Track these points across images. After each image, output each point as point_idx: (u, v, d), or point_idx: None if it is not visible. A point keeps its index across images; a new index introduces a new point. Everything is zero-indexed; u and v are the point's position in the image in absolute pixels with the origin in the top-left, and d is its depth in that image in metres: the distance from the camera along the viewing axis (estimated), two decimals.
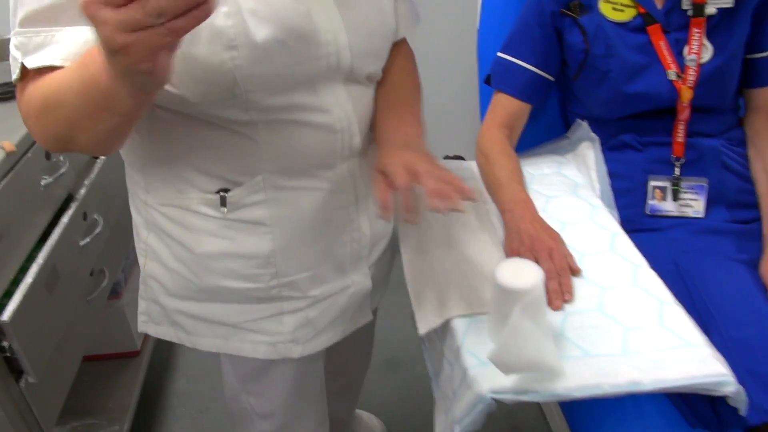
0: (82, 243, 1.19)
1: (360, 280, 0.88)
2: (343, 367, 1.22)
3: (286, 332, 0.84)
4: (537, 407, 1.61)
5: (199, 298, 0.82)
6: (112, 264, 1.36)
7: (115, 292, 1.48)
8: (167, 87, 0.66)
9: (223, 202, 0.75)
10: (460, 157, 1.20)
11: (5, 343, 0.93)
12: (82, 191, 1.25)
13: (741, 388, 0.72)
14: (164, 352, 1.84)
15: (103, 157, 1.37)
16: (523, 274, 0.72)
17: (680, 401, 0.88)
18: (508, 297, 0.71)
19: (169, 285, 0.82)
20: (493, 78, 1.10)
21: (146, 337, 1.66)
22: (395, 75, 0.85)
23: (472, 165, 1.13)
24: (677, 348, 0.75)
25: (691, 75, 0.98)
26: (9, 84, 1.25)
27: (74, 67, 0.58)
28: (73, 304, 1.15)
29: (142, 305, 0.88)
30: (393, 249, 0.98)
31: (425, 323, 0.83)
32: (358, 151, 0.80)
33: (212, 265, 0.79)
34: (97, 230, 1.25)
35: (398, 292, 1.02)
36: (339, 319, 0.88)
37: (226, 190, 0.75)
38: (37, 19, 0.61)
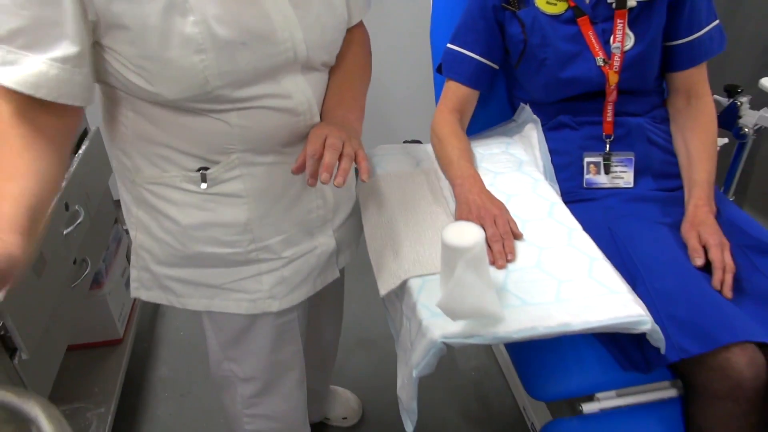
0: (65, 232, 1.26)
1: (326, 241, 0.99)
2: (318, 336, 1.31)
3: (264, 290, 0.95)
4: (501, 378, 1.72)
5: (186, 264, 0.91)
6: (94, 253, 1.43)
7: (96, 282, 1.55)
8: (146, 86, 0.75)
9: (204, 179, 0.85)
10: (418, 141, 1.30)
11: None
12: (63, 183, 1.32)
13: (657, 327, 0.84)
14: (146, 341, 1.91)
15: (81, 151, 1.44)
16: (466, 235, 0.83)
17: (614, 348, 0.99)
18: (452, 254, 0.82)
19: (158, 254, 0.92)
20: (444, 67, 1.21)
21: (128, 325, 1.73)
22: (346, 61, 0.95)
23: (428, 148, 1.24)
24: (603, 295, 0.86)
25: (617, 61, 1.10)
26: None
27: None
28: (59, 290, 1.22)
29: (133, 273, 0.97)
30: (357, 215, 1.08)
31: (385, 285, 0.93)
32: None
33: (196, 234, 0.88)
34: (79, 220, 1.32)
35: (367, 277, 1.12)
36: (310, 276, 0.99)
37: (206, 168, 0.84)
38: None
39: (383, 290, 0.93)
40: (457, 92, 1.19)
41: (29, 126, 0.71)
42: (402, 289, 0.93)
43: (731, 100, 1.37)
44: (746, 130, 1.37)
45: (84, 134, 1.54)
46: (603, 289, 0.87)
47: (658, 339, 0.86)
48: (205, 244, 0.89)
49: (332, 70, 0.94)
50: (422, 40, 1.52)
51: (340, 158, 0.79)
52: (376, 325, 1.95)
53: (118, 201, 0.99)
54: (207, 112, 0.80)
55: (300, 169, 0.81)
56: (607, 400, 1.00)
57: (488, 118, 1.32)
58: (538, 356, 1.02)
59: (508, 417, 1.62)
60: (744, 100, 1.36)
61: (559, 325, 0.82)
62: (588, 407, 0.99)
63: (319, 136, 0.81)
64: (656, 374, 0.98)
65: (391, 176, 1.14)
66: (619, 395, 1.01)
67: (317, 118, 0.88)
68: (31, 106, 0.71)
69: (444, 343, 0.81)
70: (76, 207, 1.34)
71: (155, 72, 0.74)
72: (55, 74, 0.70)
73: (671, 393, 1.01)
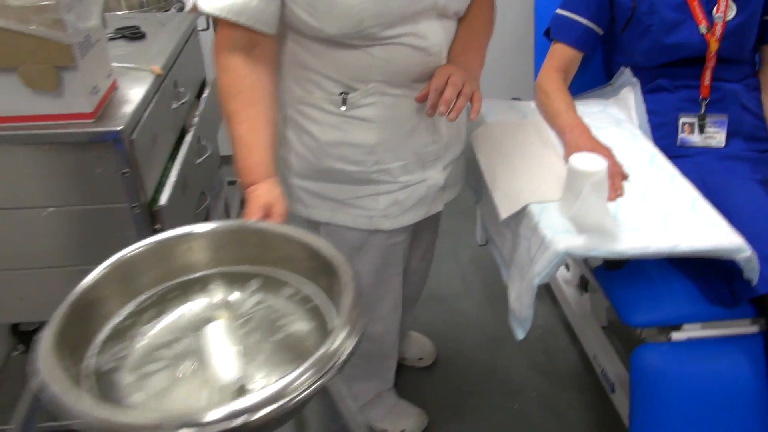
0: (197, 162, 1.42)
1: (435, 175, 1.11)
2: (408, 272, 1.43)
3: (380, 209, 1.08)
4: (565, 336, 1.84)
5: (317, 178, 1.06)
6: (211, 189, 1.59)
7: (206, 216, 1.71)
8: (312, 22, 0.89)
9: (344, 102, 0.98)
10: (517, 99, 1.42)
11: (158, 225, 1.16)
12: (196, 120, 1.47)
13: (754, 255, 0.94)
14: None
15: (206, 93, 1.59)
16: (591, 162, 0.95)
17: (702, 283, 1.10)
18: (579, 177, 0.94)
19: (296, 167, 1.06)
20: (552, 30, 1.33)
21: None
22: (473, 14, 1.06)
23: (531, 104, 1.36)
24: (706, 226, 0.97)
25: (718, 30, 1.20)
26: (134, 27, 1.47)
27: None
28: (189, 216, 1.37)
29: None
30: (463, 158, 1.19)
31: (506, 210, 1.06)
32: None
33: (330, 150, 1.02)
34: (206, 154, 1.47)
35: (439, 241, 1.23)
36: (419, 203, 1.11)
37: (346, 93, 0.98)
38: None
39: (504, 214, 1.05)
40: (563, 54, 1.30)
41: (256, 74, 0.90)
42: (519, 216, 1.05)
43: None
44: None
45: (204, 82, 1.70)
46: (705, 221, 0.98)
47: (753, 268, 0.97)
48: (336, 160, 1.03)
49: (461, 21, 1.06)
50: (523, 11, 1.63)
51: (458, 96, 0.92)
52: (445, 283, 2.08)
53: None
54: (356, 47, 0.93)
55: (423, 98, 0.94)
56: (693, 331, 1.11)
57: (584, 83, 1.43)
58: (633, 286, 1.13)
59: (573, 369, 1.73)
60: None
61: (669, 247, 0.93)
62: (676, 335, 1.10)
63: (444, 74, 0.94)
64: (740, 311, 1.09)
65: (501, 124, 1.26)
66: (704, 327, 1.11)
67: (444, 61, 1.01)
68: (247, 49, 0.89)
69: (567, 254, 0.93)
70: (204, 142, 1.49)
71: (322, 11, 0.88)
72: (255, 5, 0.86)
73: (753, 329, 1.11)
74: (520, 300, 1.02)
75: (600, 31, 1.30)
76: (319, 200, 1.09)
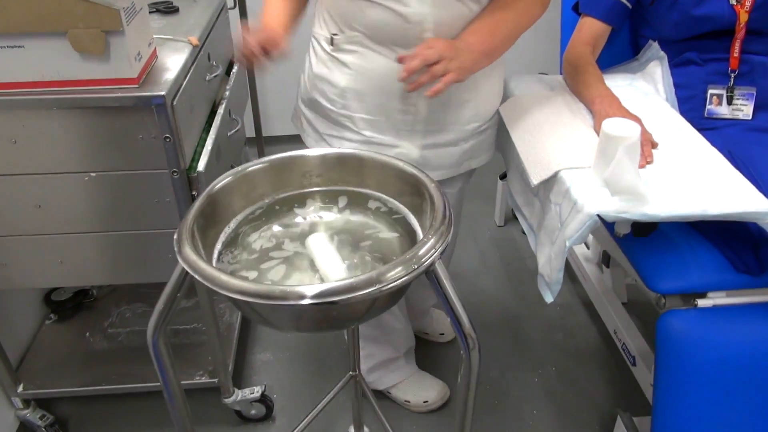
0: (229, 134, 1.45)
1: (408, 148, 1.15)
2: None
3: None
4: (584, 314, 1.86)
5: (308, 106, 1.21)
6: (237, 164, 1.62)
7: None
8: None
9: (331, 42, 1.10)
10: (544, 73, 1.44)
11: (194, 192, 1.19)
12: (227, 93, 1.50)
13: None
14: None
15: (236, 69, 1.62)
16: (624, 127, 0.97)
17: (728, 251, 1.12)
18: (612, 142, 0.96)
19: (301, 90, 1.24)
20: (581, 4, 1.34)
21: None
22: (507, 1, 1.05)
23: (555, 77, 1.38)
24: (735, 191, 0.99)
25: (748, 1, 1.21)
26: (168, 2, 1.50)
27: None
28: None
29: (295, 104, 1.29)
30: (459, 149, 1.20)
31: (538, 176, 1.08)
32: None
33: (316, 83, 1.16)
34: (237, 128, 1.50)
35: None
36: None
37: (335, 35, 1.09)
38: None
39: (536, 180, 1.08)
40: (592, 27, 1.32)
41: None
42: (550, 183, 1.08)
43: None
44: None
45: (232, 62, 1.73)
46: (734, 187, 1.00)
47: None
48: (318, 93, 1.16)
49: (490, 5, 1.06)
50: None
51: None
52: (465, 262, 2.11)
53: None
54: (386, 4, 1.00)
55: (401, 62, 0.95)
56: (719, 299, 1.13)
57: (610, 58, 1.44)
58: (659, 253, 1.15)
59: (592, 346, 1.76)
60: None
61: (698, 211, 0.95)
62: (702, 302, 1.12)
63: (425, 45, 0.95)
64: (765, 279, 1.11)
65: (530, 96, 1.28)
66: (728, 296, 1.13)
67: (427, 34, 1.01)
68: None
69: (599, 216, 0.95)
70: (235, 116, 1.52)
71: None
72: None
73: None
74: (551, 263, 1.04)
75: (628, 4, 1.32)
76: (310, 128, 1.23)
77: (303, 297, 0.62)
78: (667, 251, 1.14)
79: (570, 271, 1.94)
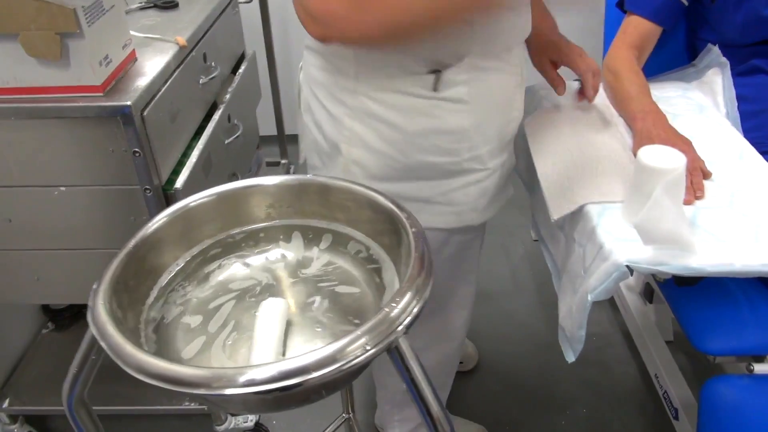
0: (226, 141, 1.32)
1: (511, 155, 0.97)
2: None
3: (469, 202, 0.94)
4: (624, 347, 1.65)
5: (400, 177, 0.90)
6: (242, 170, 1.50)
7: None
8: None
9: (436, 82, 0.83)
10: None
11: None
12: (227, 96, 1.38)
13: None
14: None
15: (241, 70, 1.50)
16: (665, 157, 0.78)
17: None
18: (650, 175, 0.77)
19: (372, 167, 0.89)
20: (627, 1, 1.14)
21: None
22: None
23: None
24: None
25: None
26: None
27: None
28: None
29: None
30: None
31: (559, 210, 0.90)
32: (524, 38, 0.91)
33: (419, 141, 0.87)
34: (237, 133, 1.38)
35: (486, 233, 1.10)
36: (501, 189, 0.98)
37: (438, 71, 0.83)
38: None
39: (556, 215, 0.90)
40: (638, 28, 1.12)
41: None
42: (575, 217, 0.90)
43: None
44: None
45: (242, 56, 1.60)
46: None
47: None
48: (427, 152, 0.87)
49: None
50: None
51: None
52: (495, 281, 1.93)
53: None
54: None
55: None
56: None
57: (662, 63, 1.24)
58: (708, 306, 0.95)
59: (631, 386, 1.55)
60: None
61: (760, 265, 0.76)
62: (759, 367, 0.93)
63: (577, 50, 0.99)
64: None
65: (560, 108, 1.09)
66: None
67: (529, 25, 0.89)
68: None
69: (629, 267, 0.77)
70: (236, 121, 1.40)
71: None
72: None
73: None
74: (572, 317, 0.87)
75: (685, 1, 1.11)
76: (403, 202, 0.94)
77: (199, 387, 0.49)
78: (718, 303, 0.95)
79: (611, 298, 1.74)
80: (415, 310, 0.57)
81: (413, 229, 0.67)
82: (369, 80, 0.84)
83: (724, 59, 1.11)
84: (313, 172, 1.00)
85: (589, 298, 0.81)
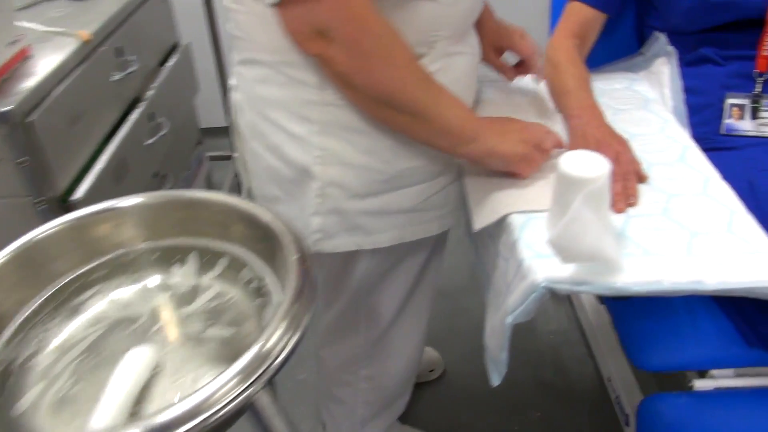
0: (147, 143, 1.23)
1: None
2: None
3: (450, 203, 0.89)
4: (582, 345, 1.60)
5: (385, 189, 0.82)
6: (173, 171, 1.41)
7: None
8: None
9: None
10: None
11: None
12: (150, 93, 1.28)
13: None
14: None
15: (171, 63, 1.40)
16: (589, 165, 0.71)
17: (739, 319, 0.85)
18: (570, 185, 0.70)
19: (354, 184, 0.81)
20: None
21: None
22: None
23: None
24: (745, 253, 0.72)
25: None
26: None
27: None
28: None
29: (315, 223, 0.83)
30: None
31: (481, 219, 0.83)
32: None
33: (404, 146, 0.79)
34: (163, 132, 1.29)
35: None
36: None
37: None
38: None
39: (478, 224, 0.83)
40: (580, 14, 1.03)
41: None
42: (500, 226, 0.82)
43: None
44: None
45: (174, 47, 1.50)
46: (745, 246, 0.73)
47: None
48: (411, 157, 0.80)
49: None
50: None
51: None
52: (451, 277, 1.86)
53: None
54: None
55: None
56: (723, 379, 0.87)
57: (609, 51, 1.15)
58: (648, 320, 0.89)
59: (587, 387, 1.50)
60: None
61: (690, 282, 0.69)
62: (700, 384, 0.87)
63: (523, 36, 0.93)
64: None
65: (495, 104, 1.01)
66: (738, 375, 0.87)
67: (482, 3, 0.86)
68: None
69: (547, 288, 0.70)
70: (161, 119, 1.31)
71: None
72: None
73: None
74: (495, 338, 0.80)
75: None
76: (385, 220, 0.85)
77: None
78: (658, 313, 0.89)
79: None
80: (278, 361, 0.50)
81: (295, 256, 0.59)
82: (336, 87, 0.75)
83: (671, 48, 1.03)
84: (270, 204, 0.89)
85: (508, 320, 0.74)
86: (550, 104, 0.98)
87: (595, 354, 1.40)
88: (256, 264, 0.66)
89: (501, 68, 0.98)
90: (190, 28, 1.65)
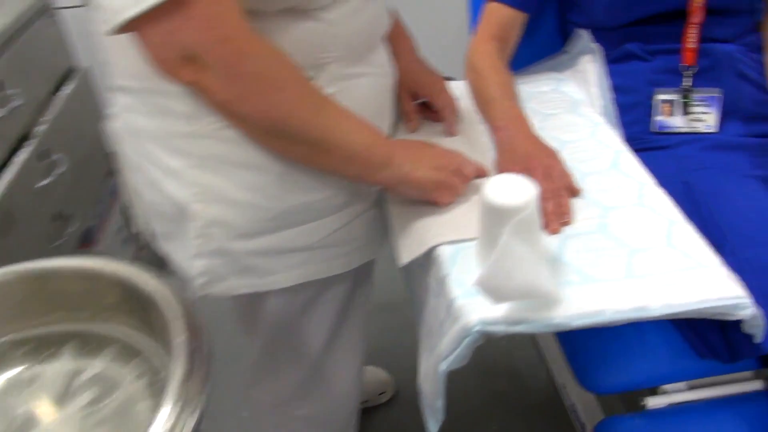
0: (39, 185, 1.10)
1: None
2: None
3: (358, 237, 0.80)
4: (534, 348, 1.56)
5: (275, 228, 0.73)
6: (81, 208, 1.28)
7: (87, 239, 1.40)
8: None
9: None
10: (449, 78, 1.09)
11: None
12: (42, 128, 1.15)
13: (758, 312, 0.65)
14: None
15: (68, 91, 1.27)
16: (515, 191, 0.64)
17: (688, 330, 0.81)
18: (497, 216, 0.63)
19: (239, 223, 0.71)
20: None
21: None
22: None
23: (461, 85, 1.03)
24: (688, 269, 0.67)
25: None
26: None
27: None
28: (34, 250, 1.07)
29: (199, 266, 0.74)
30: None
31: (407, 252, 0.75)
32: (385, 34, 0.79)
33: (293, 179, 0.70)
34: (60, 170, 1.16)
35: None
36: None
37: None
38: None
39: (405, 258, 0.75)
40: (499, 15, 0.97)
41: None
42: (428, 259, 0.75)
43: None
44: None
45: (69, 72, 1.36)
46: (688, 261, 0.68)
47: (757, 326, 0.67)
48: (303, 190, 0.71)
49: None
50: None
51: None
52: (393, 289, 1.79)
53: (113, 153, 0.81)
54: (306, 13, 0.64)
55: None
56: (676, 394, 0.82)
57: (534, 51, 1.10)
58: (594, 339, 0.84)
59: (541, 394, 1.46)
60: None
61: (633, 309, 0.63)
62: (653, 401, 0.82)
63: (443, 90, 0.89)
64: (738, 363, 0.80)
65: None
66: (690, 388, 0.83)
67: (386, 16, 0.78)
68: None
69: (481, 331, 0.63)
70: (57, 156, 1.17)
71: None
72: None
73: (756, 386, 0.83)
74: (429, 382, 0.73)
75: None
76: (281, 259, 0.76)
77: None
78: (604, 334, 0.83)
79: None
80: None
81: (182, 337, 0.50)
82: (209, 117, 0.65)
83: (595, 45, 0.98)
84: (161, 241, 0.80)
85: (441, 367, 0.67)
86: (472, 118, 0.91)
87: (548, 359, 1.36)
88: (141, 342, 0.56)
89: (407, 115, 0.90)
90: (90, 50, 1.51)
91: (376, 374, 1.49)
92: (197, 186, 0.70)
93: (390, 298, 1.74)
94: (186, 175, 0.69)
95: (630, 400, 0.88)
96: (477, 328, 0.62)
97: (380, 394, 1.46)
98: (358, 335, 0.97)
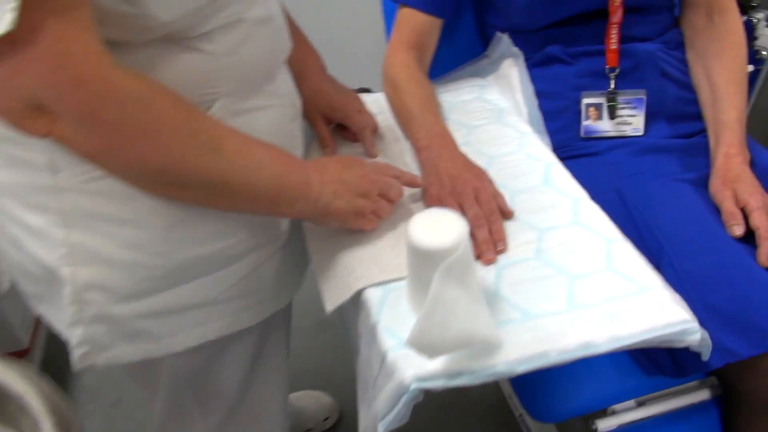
0: None
1: None
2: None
3: (268, 285, 0.71)
4: None
5: (166, 286, 0.64)
6: None
7: None
8: (131, 9, 0.50)
9: None
10: (367, 89, 1.01)
11: None
12: None
13: (706, 335, 0.61)
14: (60, 346, 1.62)
15: None
16: (443, 229, 0.57)
17: (636, 352, 0.78)
18: (425, 259, 0.56)
19: (120, 285, 0.62)
20: None
21: (35, 331, 1.44)
22: None
23: (380, 97, 0.95)
24: (631, 295, 0.62)
25: None
26: None
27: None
28: None
29: (77, 335, 0.64)
30: None
31: (332, 299, 0.67)
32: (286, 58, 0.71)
33: (180, 233, 0.61)
34: None
35: None
36: (302, 252, 0.76)
37: None
38: None
39: (329, 305, 0.67)
40: (413, 22, 0.90)
41: None
42: (356, 304, 0.68)
43: (745, 18, 1.12)
44: (763, 53, 1.13)
45: None
46: (630, 285, 0.64)
47: (706, 345, 0.64)
48: (197, 242, 0.62)
49: None
50: None
51: None
52: None
53: None
54: (186, 46, 0.56)
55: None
56: (625, 413, 0.79)
57: (453, 56, 1.04)
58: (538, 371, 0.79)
59: (488, 404, 1.42)
60: (760, 16, 1.11)
61: (578, 347, 0.58)
62: (603, 424, 0.78)
63: (360, 110, 0.84)
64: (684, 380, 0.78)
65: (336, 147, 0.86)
66: (639, 404, 0.80)
67: (287, 38, 0.70)
68: None
69: (418, 389, 0.56)
70: None
71: None
72: None
73: (703, 396, 0.81)
74: None
75: None
76: (177, 319, 0.66)
77: None
78: None
79: None
80: None
81: None
82: (74, 168, 0.56)
83: (515, 49, 0.93)
84: (33, 302, 0.69)
85: (380, 428, 0.59)
86: (395, 136, 0.85)
87: None
88: None
89: (323, 140, 0.83)
90: None
91: (319, 399, 1.41)
92: (65, 246, 0.59)
93: (326, 317, 1.66)
94: (51, 234, 0.59)
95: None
96: (413, 386, 0.56)
97: (324, 420, 1.38)
98: (279, 370, 0.88)
